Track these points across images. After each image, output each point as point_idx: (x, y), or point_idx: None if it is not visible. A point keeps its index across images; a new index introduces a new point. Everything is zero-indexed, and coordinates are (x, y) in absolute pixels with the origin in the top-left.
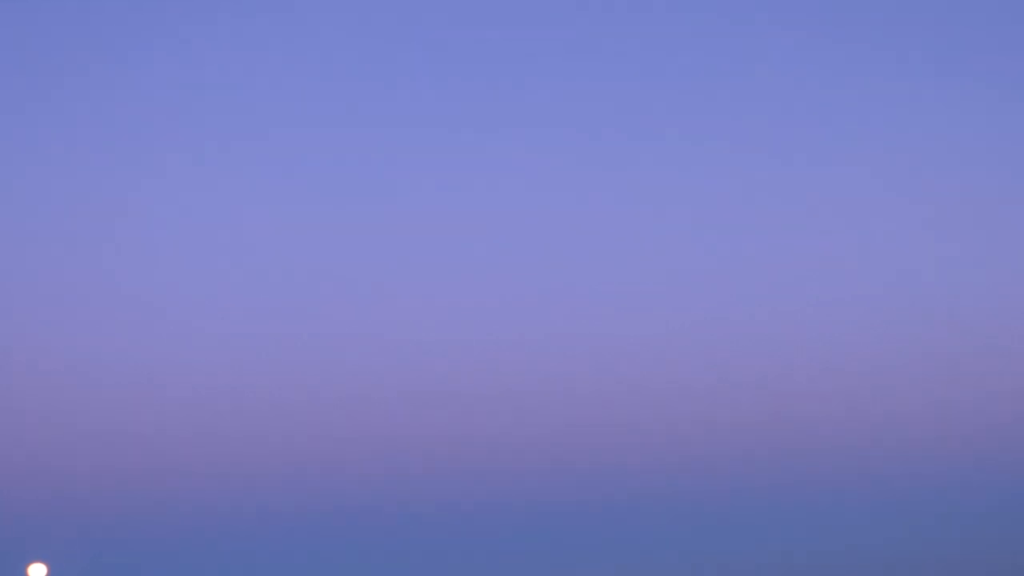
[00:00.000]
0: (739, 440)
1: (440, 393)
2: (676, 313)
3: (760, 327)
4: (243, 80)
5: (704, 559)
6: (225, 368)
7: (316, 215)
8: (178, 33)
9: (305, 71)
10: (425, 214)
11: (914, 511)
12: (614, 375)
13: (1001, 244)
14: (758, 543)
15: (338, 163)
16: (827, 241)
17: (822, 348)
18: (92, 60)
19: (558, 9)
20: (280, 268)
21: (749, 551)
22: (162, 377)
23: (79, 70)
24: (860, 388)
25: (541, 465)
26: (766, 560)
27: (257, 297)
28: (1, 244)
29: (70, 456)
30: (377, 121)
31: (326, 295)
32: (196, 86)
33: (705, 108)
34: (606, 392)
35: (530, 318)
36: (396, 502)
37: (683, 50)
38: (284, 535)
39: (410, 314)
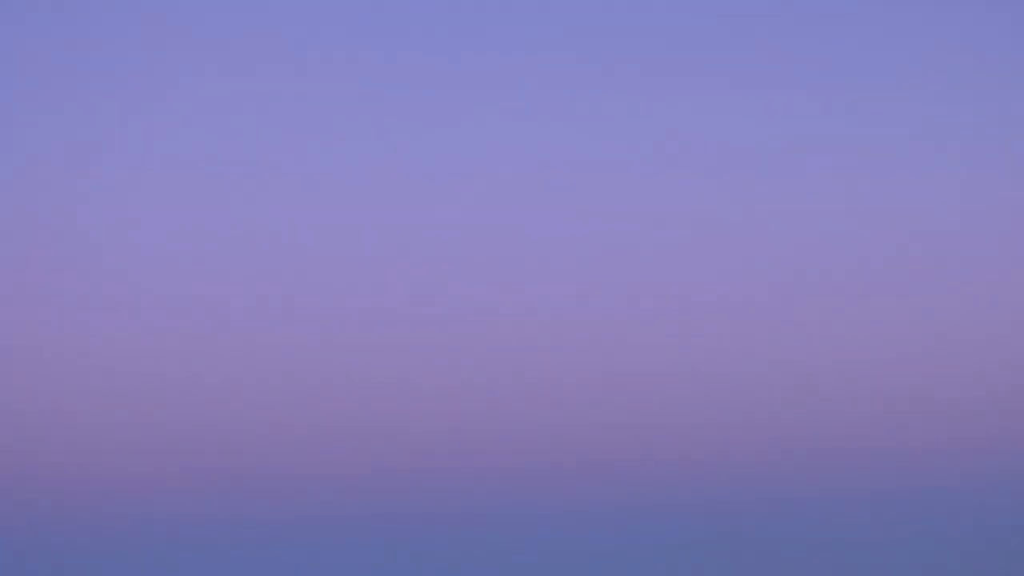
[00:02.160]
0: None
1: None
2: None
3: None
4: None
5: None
6: (224, 364)
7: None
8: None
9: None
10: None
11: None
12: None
13: None
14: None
15: (334, 151)
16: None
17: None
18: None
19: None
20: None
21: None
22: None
23: (80, 70)
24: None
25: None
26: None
27: (254, 291)
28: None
29: (67, 456)
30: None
31: (324, 288)
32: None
33: (707, 114)
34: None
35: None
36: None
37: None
38: (286, 537)
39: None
